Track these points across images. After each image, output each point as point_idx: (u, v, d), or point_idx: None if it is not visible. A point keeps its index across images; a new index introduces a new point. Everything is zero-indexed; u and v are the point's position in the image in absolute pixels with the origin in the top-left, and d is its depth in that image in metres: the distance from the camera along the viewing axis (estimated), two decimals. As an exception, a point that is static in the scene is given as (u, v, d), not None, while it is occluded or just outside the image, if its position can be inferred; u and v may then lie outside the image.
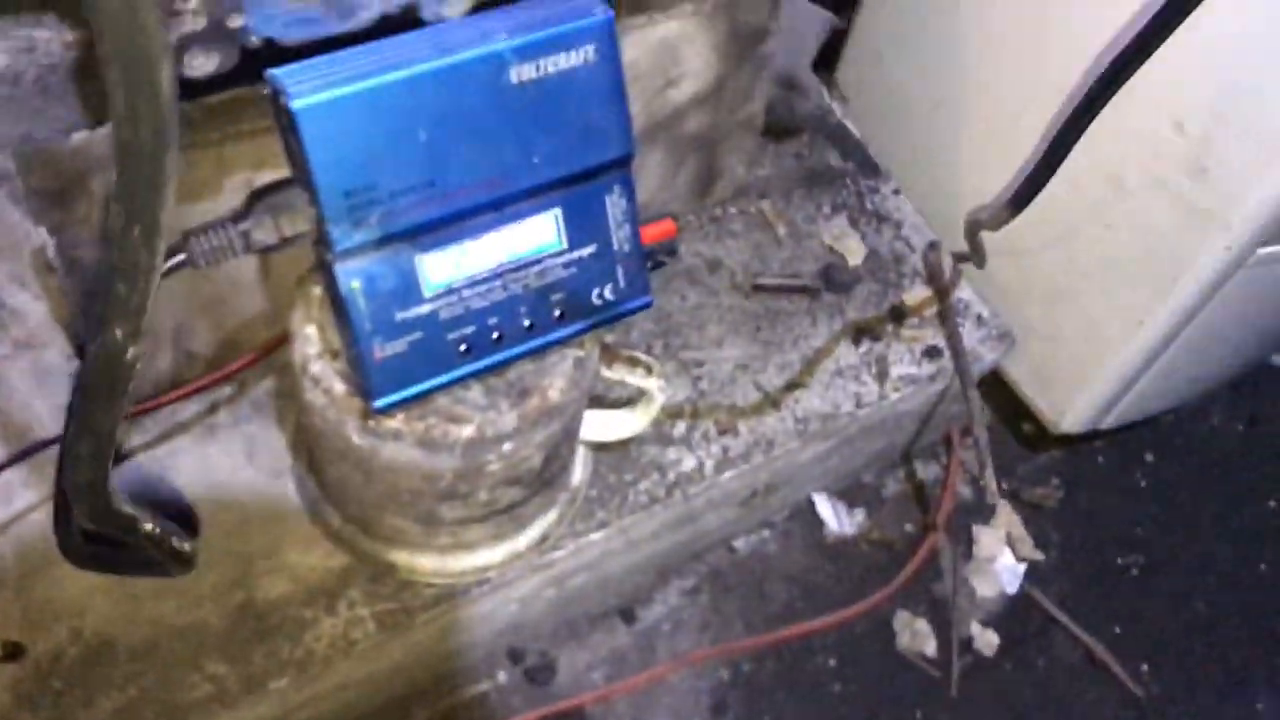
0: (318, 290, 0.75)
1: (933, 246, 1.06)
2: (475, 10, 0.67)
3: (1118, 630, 1.10)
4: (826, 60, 1.18)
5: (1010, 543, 1.12)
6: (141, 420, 0.87)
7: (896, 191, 1.10)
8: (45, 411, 0.88)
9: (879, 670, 1.04)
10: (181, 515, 0.84)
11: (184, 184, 0.77)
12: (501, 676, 0.98)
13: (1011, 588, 1.10)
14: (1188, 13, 0.72)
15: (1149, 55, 0.75)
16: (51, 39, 1.05)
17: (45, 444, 0.85)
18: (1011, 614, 1.09)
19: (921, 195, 1.10)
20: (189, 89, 0.68)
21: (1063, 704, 1.06)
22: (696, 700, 1.00)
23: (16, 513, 0.84)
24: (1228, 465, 1.23)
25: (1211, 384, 1.19)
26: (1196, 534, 1.18)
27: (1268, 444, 1.25)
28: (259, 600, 0.83)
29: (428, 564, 0.85)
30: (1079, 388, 1.07)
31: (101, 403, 0.55)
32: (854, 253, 1.06)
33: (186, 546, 0.69)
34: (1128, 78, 0.76)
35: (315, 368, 0.73)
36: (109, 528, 0.62)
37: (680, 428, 0.95)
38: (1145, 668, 1.08)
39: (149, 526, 0.65)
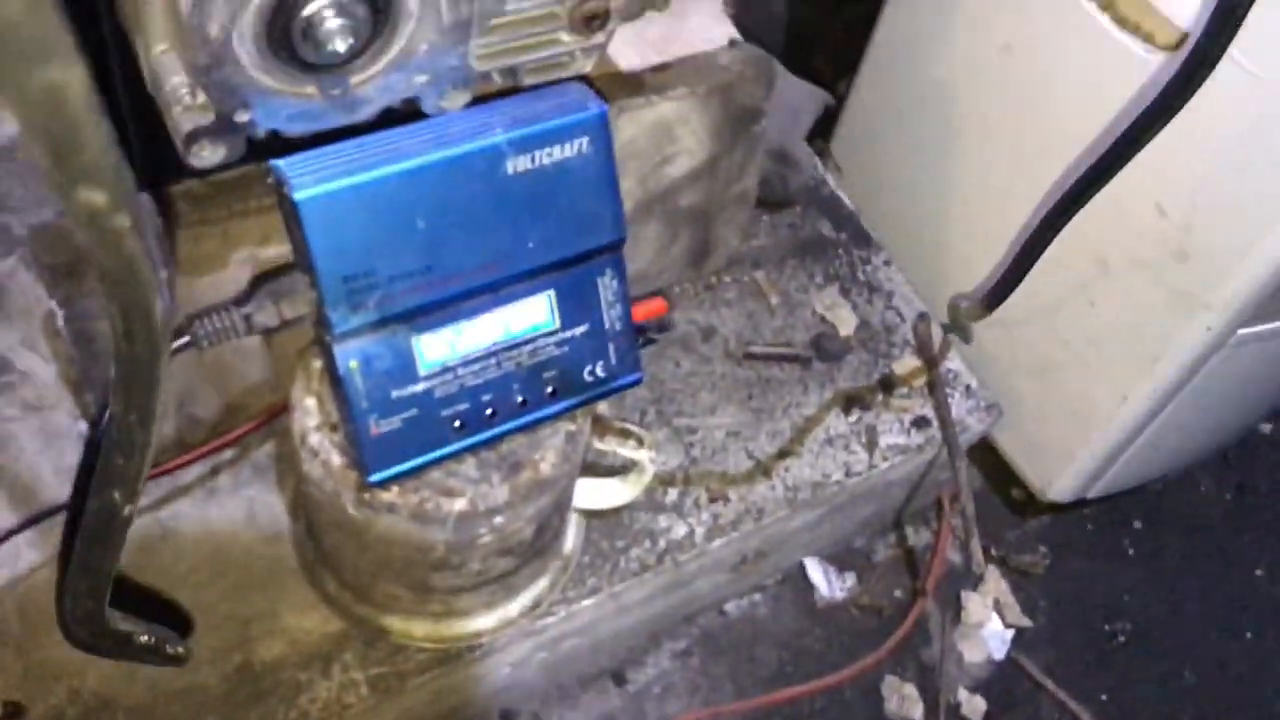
0: (318, 364, 0.77)
1: (922, 318, 1.09)
2: (474, 104, 0.69)
3: (1104, 698, 1.11)
4: (822, 132, 1.21)
5: (998, 609, 1.13)
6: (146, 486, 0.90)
7: (888, 263, 1.13)
8: (51, 473, 0.90)
9: (867, 735, 1.06)
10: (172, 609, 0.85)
11: (191, 258, 0.80)
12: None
13: (999, 654, 1.11)
14: (1132, 154, 0.74)
15: (1102, 183, 0.77)
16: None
17: (53, 511, 0.88)
18: (999, 680, 1.10)
19: (912, 267, 1.13)
20: (196, 173, 0.71)
21: (1049, 771, 1.07)
22: (685, 764, 1.01)
23: (20, 574, 0.86)
24: (1216, 534, 1.24)
25: (1198, 455, 1.21)
26: (1184, 602, 1.19)
27: (1256, 513, 1.26)
28: (256, 662, 0.85)
29: (421, 630, 0.86)
30: (1066, 457, 1.09)
31: (99, 549, 0.60)
32: (845, 323, 1.08)
33: (180, 650, 0.72)
34: (1082, 205, 0.79)
35: (314, 440, 0.75)
36: (106, 646, 0.66)
37: (672, 494, 0.96)
38: (1131, 736, 1.09)
39: (144, 639, 0.68)
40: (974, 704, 1.08)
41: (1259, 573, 1.22)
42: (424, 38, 0.64)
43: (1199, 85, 0.71)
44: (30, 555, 0.86)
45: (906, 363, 1.07)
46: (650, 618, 1.01)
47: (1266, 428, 1.31)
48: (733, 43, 0.96)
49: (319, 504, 0.78)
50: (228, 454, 0.92)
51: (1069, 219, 0.80)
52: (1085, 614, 1.16)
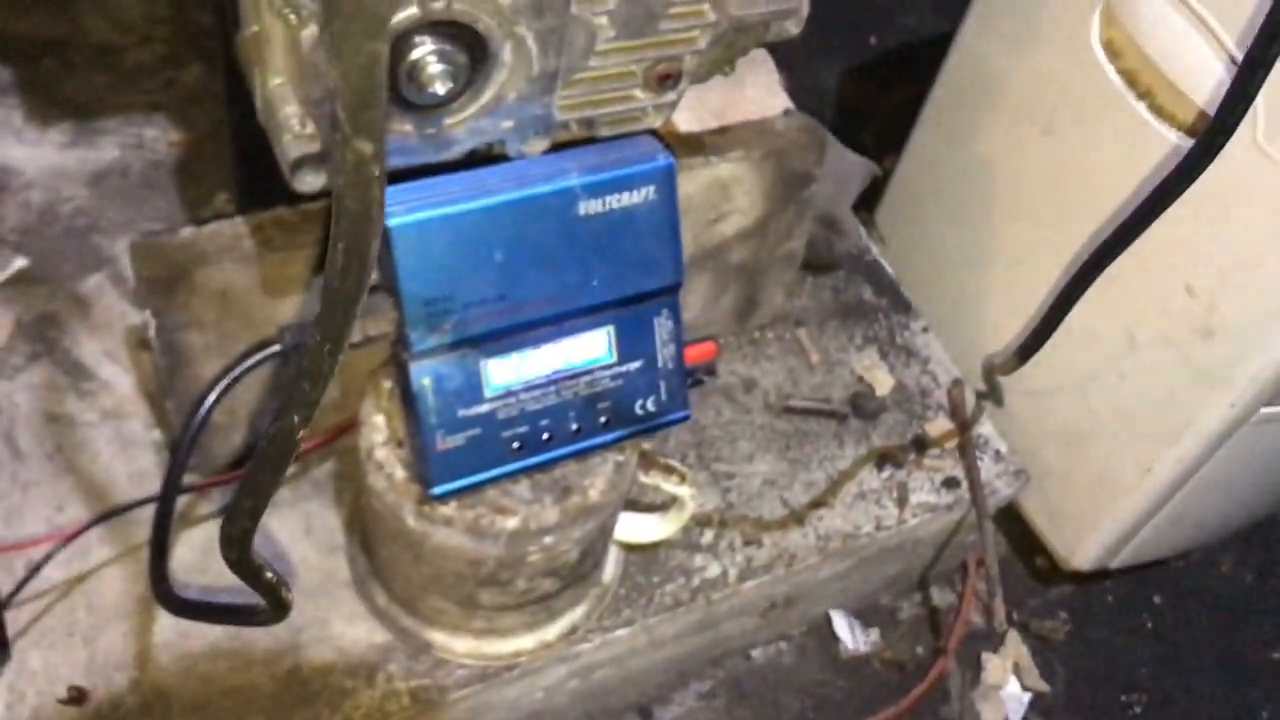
0: (388, 383, 0.82)
1: (956, 383, 1.13)
2: (553, 150, 0.75)
3: (1118, 767, 1.13)
4: (867, 202, 1.27)
5: (1017, 672, 1.16)
6: (211, 492, 0.95)
7: (925, 329, 1.17)
8: (125, 477, 0.96)
9: (884, 787, 1.08)
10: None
11: (275, 280, 0.85)
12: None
13: (1016, 716, 1.14)
14: (1151, 220, 0.79)
15: (1129, 243, 0.82)
16: (159, 138, 1.16)
17: (122, 509, 0.93)
18: (1016, 742, 1.13)
19: (949, 334, 1.17)
20: (295, 199, 0.77)
21: (1061, 835, 1.09)
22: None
23: (91, 568, 0.91)
24: (1235, 614, 1.26)
25: (1220, 532, 1.24)
26: (1200, 679, 1.21)
27: (1275, 595, 1.28)
28: (305, 667, 0.89)
29: (463, 646, 0.90)
30: (1090, 527, 1.12)
31: (269, 470, 0.65)
32: (882, 383, 1.12)
33: (290, 596, 0.77)
34: (1111, 260, 0.84)
35: (380, 454, 0.81)
36: (244, 571, 0.72)
37: (708, 535, 1.01)
38: (1144, 806, 1.11)
39: (270, 575, 0.73)
40: (991, 763, 1.11)
41: (1276, 656, 1.24)
42: (514, 87, 0.70)
43: (1213, 157, 0.76)
44: (100, 551, 0.92)
45: (939, 425, 1.11)
46: (680, 655, 1.04)
47: (1288, 512, 1.33)
48: (787, 112, 1.02)
49: (379, 515, 0.83)
50: (290, 469, 0.97)
51: (1096, 276, 0.85)
52: (1102, 683, 1.19)
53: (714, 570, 0.99)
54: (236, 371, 0.69)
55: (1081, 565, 1.16)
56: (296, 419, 0.61)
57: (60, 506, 0.93)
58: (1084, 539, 1.14)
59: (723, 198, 0.99)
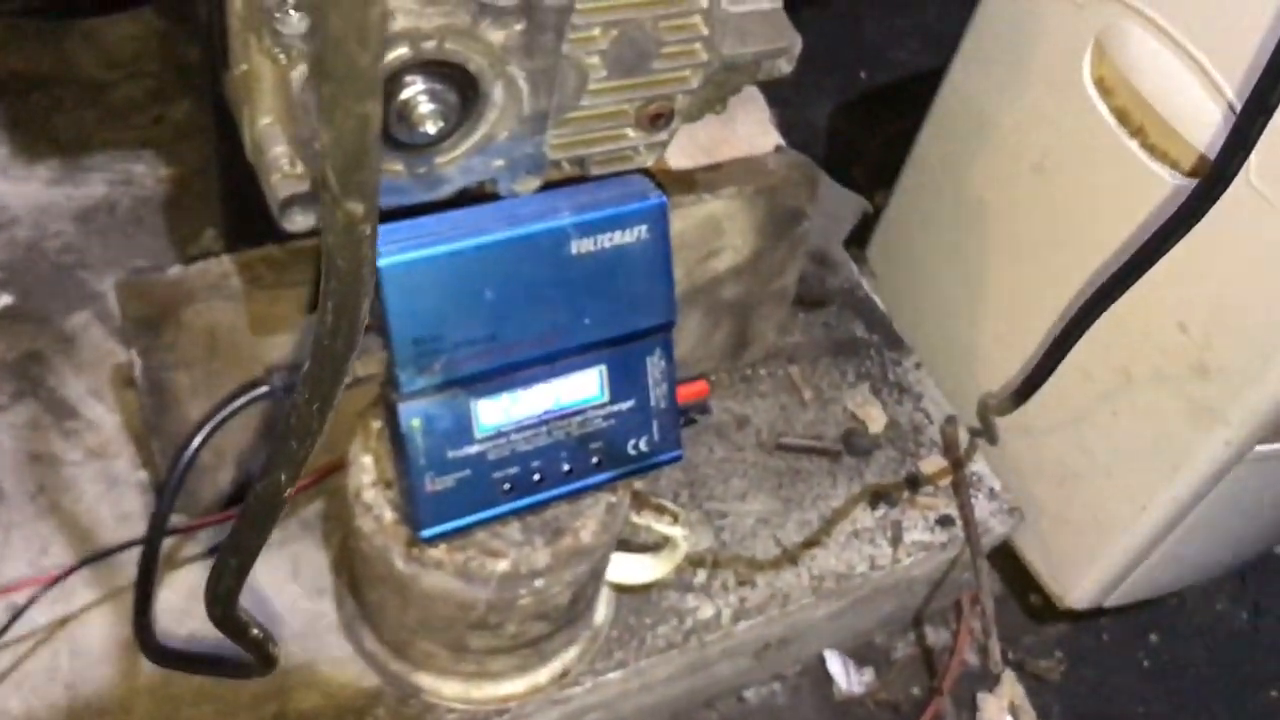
0: (377, 424, 0.81)
1: (950, 421, 1.12)
2: (544, 188, 0.75)
3: (1116, 809, 1.12)
4: (858, 238, 1.26)
5: (1013, 712, 1.15)
6: (198, 533, 0.93)
7: (918, 365, 1.17)
8: (110, 517, 0.94)
9: (880, 830, 1.07)
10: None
11: (264, 319, 0.84)
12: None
13: (1014, 757, 1.13)
14: (1147, 268, 0.79)
15: (1128, 285, 0.82)
16: (147, 174, 1.15)
17: (107, 552, 0.91)
18: (1013, 783, 1.11)
19: (941, 371, 1.17)
20: (284, 237, 0.76)
21: None
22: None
23: (74, 611, 0.89)
24: (1230, 652, 1.25)
25: (1215, 570, 1.23)
26: (1197, 717, 1.20)
27: (1271, 634, 1.28)
28: (291, 712, 0.87)
29: (452, 690, 0.89)
30: (1085, 565, 1.11)
31: (256, 528, 0.65)
32: (875, 420, 1.12)
33: (275, 652, 0.76)
34: (1110, 303, 0.83)
35: (368, 495, 0.79)
36: (229, 628, 0.71)
37: (700, 576, 0.99)
38: None
39: (255, 631, 0.72)
40: (987, 804, 1.09)
41: (1273, 694, 1.23)
42: (505, 126, 0.69)
43: (1214, 202, 0.76)
44: (84, 594, 0.90)
45: (933, 462, 1.10)
46: (672, 698, 1.03)
47: (1283, 550, 1.33)
48: (778, 149, 1.01)
49: (367, 558, 0.82)
50: (278, 510, 0.96)
51: (1096, 318, 0.85)
52: (1099, 723, 1.18)
53: (707, 611, 0.98)
54: (223, 414, 0.68)
55: (1077, 604, 1.15)
56: (284, 477, 0.60)
57: (44, 548, 0.91)
58: (1079, 577, 1.13)
59: (715, 234, 0.98)
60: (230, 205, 0.90)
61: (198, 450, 0.68)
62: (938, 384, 1.16)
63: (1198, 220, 0.78)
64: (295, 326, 0.86)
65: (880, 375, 1.16)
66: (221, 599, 0.68)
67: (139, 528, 0.93)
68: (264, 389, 0.70)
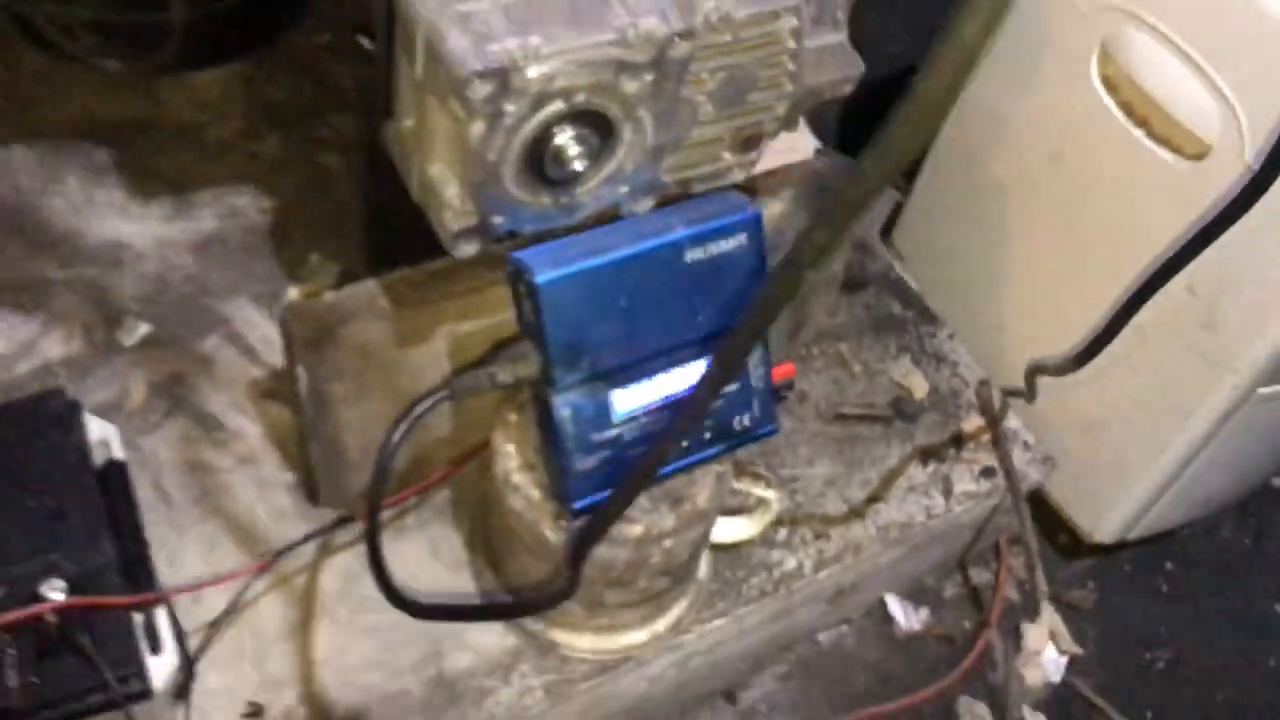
0: (514, 416, 0.94)
1: (983, 383, 1.26)
2: (658, 207, 0.87)
3: (1149, 715, 1.27)
4: (885, 225, 1.40)
5: (1053, 638, 1.29)
6: (350, 525, 1.06)
7: (951, 336, 1.31)
8: (266, 515, 1.07)
9: (946, 748, 1.21)
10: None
11: (408, 333, 0.97)
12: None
13: (1056, 677, 1.27)
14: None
15: (1187, 262, 0.94)
16: (249, 206, 1.28)
17: (280, 552, 1.04)
18: (1057, 700, 1.26)
19: (971, 339, 1.31)
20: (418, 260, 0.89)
21: (1104, 780, 1.22)
22: (793, 770, 1.16)
23: (247, 601, 1.02)
24: (1238, 573, 1.41)
25: (1223, 502, 1.38)
26: (1212, 632, 1.35)
27: (1272, 555, 1.43)
28: (448, 672, 1.01)
29: (585, 643, 1.02)
30: (1110, 504, 1.26)
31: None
32: (918, 388, 1.26)
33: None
34: (1170, 277, 0.96)
35: (516, 478, 0.92)
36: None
37: (782, 533, 1.13)
38: (1174, 749, 1.25)
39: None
40: (1036, 720, 1.24)
41: (1276, 607, 1.39)
42: (632, 159, 0.82)
43: (1267, 189, 0.89)
44: (257, 586, 1.02)
45: (972, 421, 1.24)
46: (760, 642, 1.17)
47: (1278, 482, 1.48)
48: (818, 151, 1.15)
49: (516, 532, 0.95)
50: (411, 499, 1.09)
51: (1159, 289, 0.97)
52: (1128, 643, 1.32)
53: (791, 563, 1.12)
54: (419, 411, 0.81)
55: (1104, 539, 1.29)
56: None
57: (213, 545, 1.04)
58: (1104, 515, 1.27)
59: (775, 233, 1.12)
60: (373, 233, 1.02)
61: (399, 443, 0.80)
62: (969, 351, 1.30)
63: (1256, 201, 0.90)
64: (429, 338, 0.99)
65: (919, 347, 1.30)
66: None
67: (292, 523, 1.06)
68: (444, 393, 0.82)
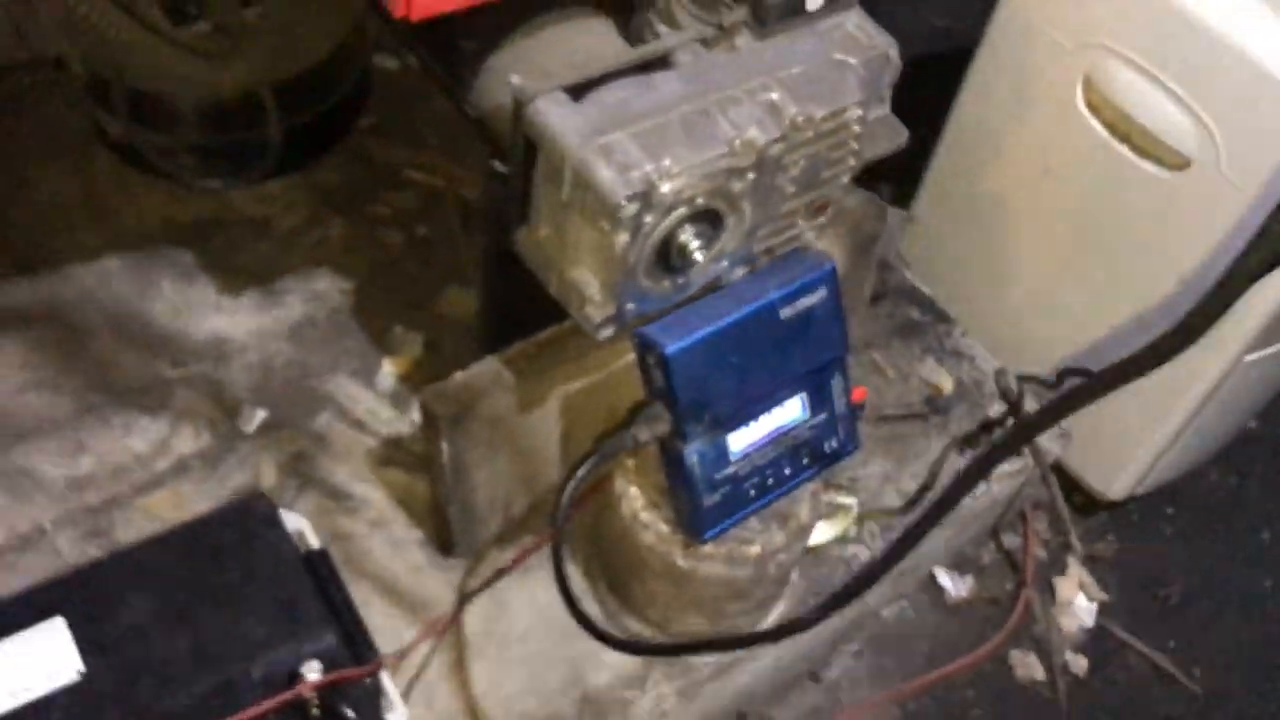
0: (631, 461, 1.08)
1: (1000, 372, 1.42)
2: (749, 274, 1.02)
3: (1172, 644, 1.45)
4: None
5: (1082, 588, 1.47)
6: (477, 569, 1.19)
7: (964, 333, 1.47)
8: (404, 571, 1.19)
9: (1005, 697, 1.38)
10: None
11: (525, 398, 1.10)
12: (734, 735, 1.30)
13: (1089, 622, 1.45)
14: None
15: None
16: (329, 288, 1.39)
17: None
18: (1093, 642, 1.44)
19: (981, 332, 1.47)
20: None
21: (1140, 705, 1.40)
22: (881, 733, 1.32)
23: (402, 649, 1.14)
24: (1228, 511, 1.60)
25: (1213, 450, 1.57)
26: (1214, 566, 1.54)
27: (1253, 491, 1.62)
28: (591, 689, 1.14)
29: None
30: (1120, 466, 1.43)
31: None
32: (945, 384, 1.42)
33: None
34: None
35: (644, 516, 1.07)
36: None
37: (853, 530, 1.29)
38: (1197, 671, 1.43)
39: None
40: (1078, 662, 1.41)
41: (1265, 536, 1.58)
42: (733, 241, 0.96)
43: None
44: (406, 636, 1.15)
45: (997, 408, 1.40)
46: (838, 626, 1.32)
47: (1254, 424, 1.67)
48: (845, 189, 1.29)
49: (645, 562, 1.09)
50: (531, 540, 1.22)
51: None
52: (1145, 584, 1.50)
53: (864, 555, 1.27)
54: (580, 474, 0.94)
55: (1116, 496, 1.47)
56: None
57: (366, 605, 1.15)
58: (1116, 476, 1.45)
59: (818, 267, 1.26)
60: (490, 317, 1.15)
61: (579, 485, 0.94)
62: (981, 345, 1.47)
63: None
64: (543, 401, 1.12)
65: (940, 346, 1.46)
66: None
67: (429, 576, 1.19)
68: (597, 458, 0.96)
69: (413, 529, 1.22)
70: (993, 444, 1.17)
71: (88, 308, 1.32)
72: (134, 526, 1.18)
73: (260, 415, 1.27)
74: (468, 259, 1.36)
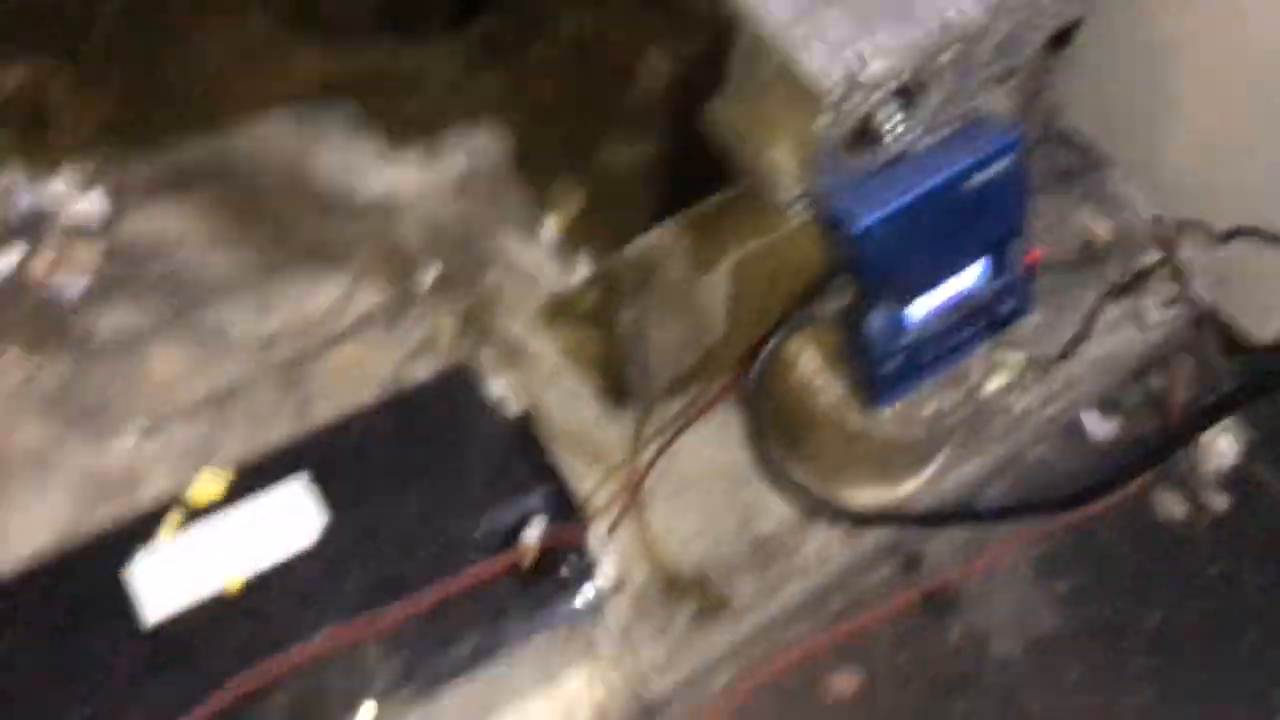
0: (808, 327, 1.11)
1: (1157, 219, 1.41)
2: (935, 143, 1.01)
3: (1315, 484, 1.48)
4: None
5: (1226, 429, 1.49)
6: (649, 421, 1.24)
7: (1123, 177, 1.45)
8: (581, 423, 1.25)
9: (1146, 534, 1.43)
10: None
11: (701, 262, 1.13)
12: (886, 569, 1.36)
13: (1232, 461, 1.47)
14: None
15: None
16: (489, 144, 1.41)
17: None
18: (1236, 482, 1.47)
19: (1139, 175, 1.45)
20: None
21: (1281, 543, 1.45)
22: (1027, 566, 1.38)
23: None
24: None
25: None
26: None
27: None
28: (761, 533, 1.21)
29: (866, 496, 1.22)
30: (1271, 308, 1.43)
31: None
32: (1103, 230, 1.41)
33: None
34: None
35: (819, 379, 1.10)
36: None
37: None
38: (1341, 506, 1.46)
39: None
40: (1220, 500, 1.45)
41: None
42: (929, 112, 0.96)
43: None
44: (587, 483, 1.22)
45: (1152, 255, 1.40)
46: (993, 468, 1.37)
47: None
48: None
49: (818, 420, 1.13)
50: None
51: None
52: (1285, 423, 1.52)
53: (1022, 404, 1.30)
54: (771, 345, 0.99)
55: (1264, 338, 1.47)
56: None
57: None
58: (1266, 319, 1.44)
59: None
60: (664, 181, 1.17)
61: (771, 353, 0.98)
62: (1138, 189, 1.45)
63: None
64: (722, 262, 1.15)
65: (1096, 192, 1.44)
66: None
67: (605, 427, 1.24)
68: (785, 329, 0.99)
69: (584, 382, 1.27)
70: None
71: (258, 166, 1.36)
72: (324, 380, 1.24)
73: (433, 271, 1.31)
74: (627, 112, 1.36)
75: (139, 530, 0.92)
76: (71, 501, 1.16)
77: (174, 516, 0.93)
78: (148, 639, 0.89)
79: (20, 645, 0.88)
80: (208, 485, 0.94)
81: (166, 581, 0.90)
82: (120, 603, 0.90)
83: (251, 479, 0.94)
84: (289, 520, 0.93)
